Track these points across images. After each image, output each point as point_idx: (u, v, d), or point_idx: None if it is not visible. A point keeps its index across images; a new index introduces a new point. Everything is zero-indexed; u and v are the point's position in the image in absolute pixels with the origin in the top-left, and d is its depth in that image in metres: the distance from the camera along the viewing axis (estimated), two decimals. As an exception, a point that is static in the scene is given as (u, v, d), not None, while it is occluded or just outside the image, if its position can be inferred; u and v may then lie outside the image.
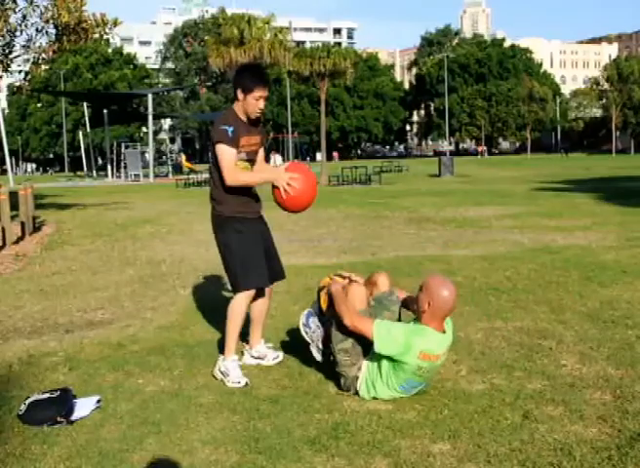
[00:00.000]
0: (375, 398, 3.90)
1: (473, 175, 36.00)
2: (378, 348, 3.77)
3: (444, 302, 3.75)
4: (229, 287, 4.58)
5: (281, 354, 4.69)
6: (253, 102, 4.29)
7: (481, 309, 5.88)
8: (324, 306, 4.28)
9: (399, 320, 4.15)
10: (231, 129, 4.24)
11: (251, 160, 4.43)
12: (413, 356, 3.72)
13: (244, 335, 4.92)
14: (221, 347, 4.84)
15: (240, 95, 4.30)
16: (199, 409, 3.86)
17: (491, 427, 3.47)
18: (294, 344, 4.97)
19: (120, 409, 3.90)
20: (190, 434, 3.54)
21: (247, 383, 4.26)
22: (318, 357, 4.28)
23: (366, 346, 3.95)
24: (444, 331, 3.85)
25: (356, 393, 3.97)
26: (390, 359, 3.79)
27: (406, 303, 4.18)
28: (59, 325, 6.03)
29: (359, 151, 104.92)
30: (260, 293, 4.61)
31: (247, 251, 4.36)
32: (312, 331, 4.29)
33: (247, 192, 4.43)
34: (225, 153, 4.23)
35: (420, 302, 3.80)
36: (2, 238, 11.42)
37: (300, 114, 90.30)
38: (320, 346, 4.25)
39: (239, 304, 4.38)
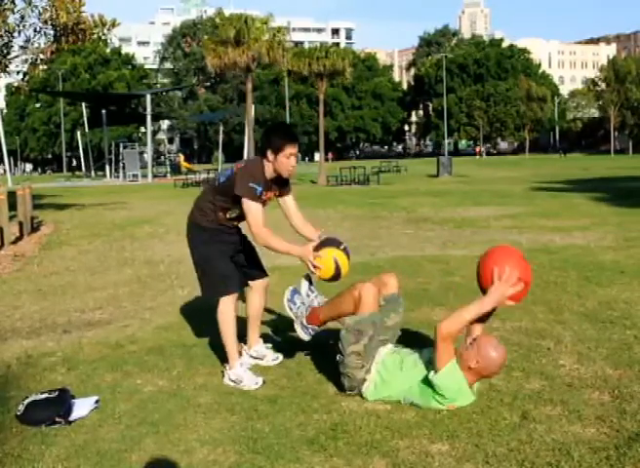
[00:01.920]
0: (378, 399, 3.89)
1: (471, 175, 36.02)
2: (438, 381, 3.68)
3: (492, 366, 3.71)
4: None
5: (281, 356, 4.68)
6: (284, 161, 4.26)
7: (479, 309, 5.87)
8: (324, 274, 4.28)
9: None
10: (260, 189, 4.24)
11: None
12: (442, 403, 3.70)
13: (241, 336, 4.92)
14: (221, 349, 4.84)
15: (271, 155, 4.26)
16: (197, 410, 3.86)
17: (489, 427, 3.47)
18: (292, 344, 4.97)
19: (118, 410, 3.90)
20: (188, 434, 3.54)
21: (264, 381, 4.28)
22: (302, 335, 4.30)
23: (372, 349, 3.95)
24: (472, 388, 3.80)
25: (359, 394, 3.97)
26: (421, 383, 3.76)
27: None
28: (57, 325, 6.02)
29: (357, 151, 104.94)
30: (253, 292, 4.65)
31: (211, 256, 4.40)
32: (297, 308, 4.31)
33: (230, 229, 4.50)
34: (253, 210, 4.22)
35: (468, 356, 3.73)
36: (0, 238, 11.41)
37: (299, 114, 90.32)
38: (304, 323, 4.27)
39: (224, 310, 4.39)
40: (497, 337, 3.85)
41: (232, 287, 4.42)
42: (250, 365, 4.58)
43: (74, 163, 53.55)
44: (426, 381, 3.75)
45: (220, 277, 4.39)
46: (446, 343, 3.70)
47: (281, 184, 4.47)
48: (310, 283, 4.42)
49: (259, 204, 4.24)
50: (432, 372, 3.72)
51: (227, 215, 4.43)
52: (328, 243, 4.28)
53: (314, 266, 4.18)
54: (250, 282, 4.67)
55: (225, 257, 4.45)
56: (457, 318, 3.76)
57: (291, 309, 4.34)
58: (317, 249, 4.22)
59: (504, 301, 3.78)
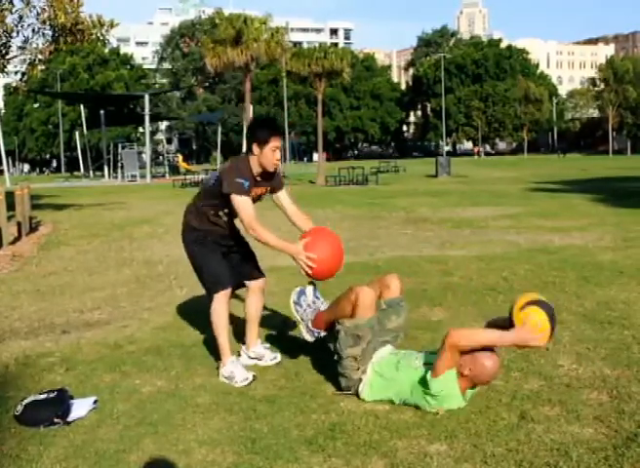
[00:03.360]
0: (378, 397, 3.89)
1: (470, 175, 36.04)
2: (434, 385, 3.68)
3: (484, 375, 3.70)
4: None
5: (279, 355, 4.69)
6: (270, 154, 4.31)
7: (478, 309, 5.89)
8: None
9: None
10: (247, 183, 4.28)
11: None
12: (432, 404, 3.71)
13: (240, 336, 4.93)
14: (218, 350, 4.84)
15: (256, 149, 4.31)
16: (196, 410, 3.86)
17: (487, 427, 3.48)
18: (290, 344, 4.98)
19: (117, 410, 3.90)
20: (187, 434, 3.54)
21: (254, 376, 4.31)
22: (307, 337, 4.29)
23: (369, 353, 3.95)
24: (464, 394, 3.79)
25: (356, 394, 3.97)
26: (415, 385, 3.76)
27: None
28: (55, 325, 6.02)
29: (355, 151, 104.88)
30: (251, 293, 4.65)
31: (204, 255, 4.45)
32: (303, 310, 4.30)
33: (223, 229, 4.51)
34: (243, 205, 4.26)
35: (463, 363, 3.71)
36: (-2, 238, 11.40)
37: (297, 114, 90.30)
38: (310, 326, 4.26)
39: (216, 307, 4.42)
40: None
41: (223, 284, 4.43)
42: (248, 365, 4.60)
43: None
44: (421, 381, 3.75)
45: (211, 275, 4.43)
46: (451, 352, 3.68)
47: (269, 179, 4.46)
48: (315, 289, 4.42)
49: (248, 197, 4.27)
50: (430, 374, 3.71)
51: (220, 216, 4.46)
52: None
53: (307, 266, 4.18)
54: (246, 282, 4.67)
55: (217, 255, 4.47)
56: (472, 336, 3.72)
57: (297, 311, 4.33)
58: (310, 247, 4.21)
59: (525, 345, 3.73)
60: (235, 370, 4.33)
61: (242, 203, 4.25)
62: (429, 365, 3.79)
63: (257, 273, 4.72)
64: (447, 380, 3.68)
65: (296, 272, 7.52)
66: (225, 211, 4.42)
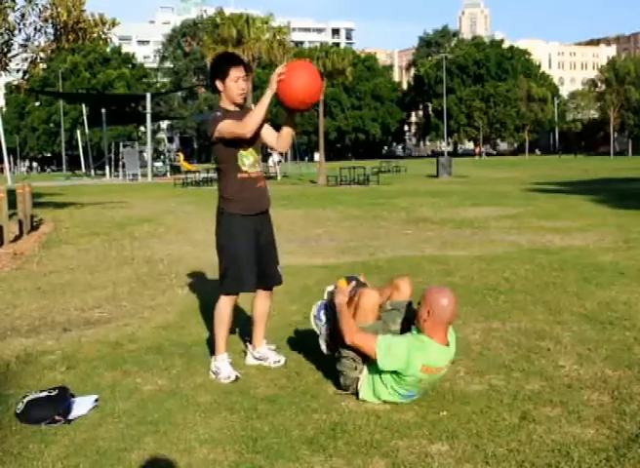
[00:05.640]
0: (377, 397, 3.89)
1: (471, 175, 36.03)
2: (380, 365, 3.76)
3: (443, 310, 3.71)
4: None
5: (283, 359, 4.65)
6: (233, 85, 4.23)
7: (479, 310, 5.89)
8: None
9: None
10: (218, 113, 4.22)
11: (252, 144, 4.35)
12: (414, 370, 3.71)
13: (245, 336, 4.93)
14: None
15: (220, 84, 4.25)
16: (197, 409, 3.86)
17: (489, 428, 3.47)
18: (291, 344, 4.98)
19: (118, 409, 3.90)
20: (188, 433, 3.54)
21: (237, 377, 4.32)
22: (326, 351, 4.26)
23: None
24: (447, 344, 3.81)
25: (355, 393, 3.97)
26: (392, 371, 3.78)
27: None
28: (56, 323, 6.02)
29: (361, 150, 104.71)
30: (260, 294, 4.63)
31: (236, 254, 4.34)
32: (322, 324, 4.27)
33: (250, 188, 4.36)
34: (223, 125, 4.15)
35: (419, 313, 3.78)
36: (0, 236, 11.41)
37: (299, 114, 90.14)
38: (328, 340, 4.24)
39: (222, 306, 4.42)
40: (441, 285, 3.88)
41: (242, 289, 4.42)
42: (252, 365, 4.63)
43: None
44: (383, 373, 3.80)
45: (234, 277, 4.36)
46: (359, 340, 3.81)
47: (245, 114, 4.28)
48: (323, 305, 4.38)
49: (224, 119, 4.16)
50: (376, 365, 3.78)
51: (242, 171, 4.30)
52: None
53: (278, 75, 4.05)
54: (264, 286, 4.58)
55: (245, 254, 4.34)
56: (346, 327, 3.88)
57: (317, 325, 4.30)
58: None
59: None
60: (222, 366, 4.38)
61: (222, 125, 4.14)
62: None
63: (277, 279, 4.62)
64: (383, 351, 3.73)
65: (296, 272, 7.53)
66: (243, 159, 4.28)
